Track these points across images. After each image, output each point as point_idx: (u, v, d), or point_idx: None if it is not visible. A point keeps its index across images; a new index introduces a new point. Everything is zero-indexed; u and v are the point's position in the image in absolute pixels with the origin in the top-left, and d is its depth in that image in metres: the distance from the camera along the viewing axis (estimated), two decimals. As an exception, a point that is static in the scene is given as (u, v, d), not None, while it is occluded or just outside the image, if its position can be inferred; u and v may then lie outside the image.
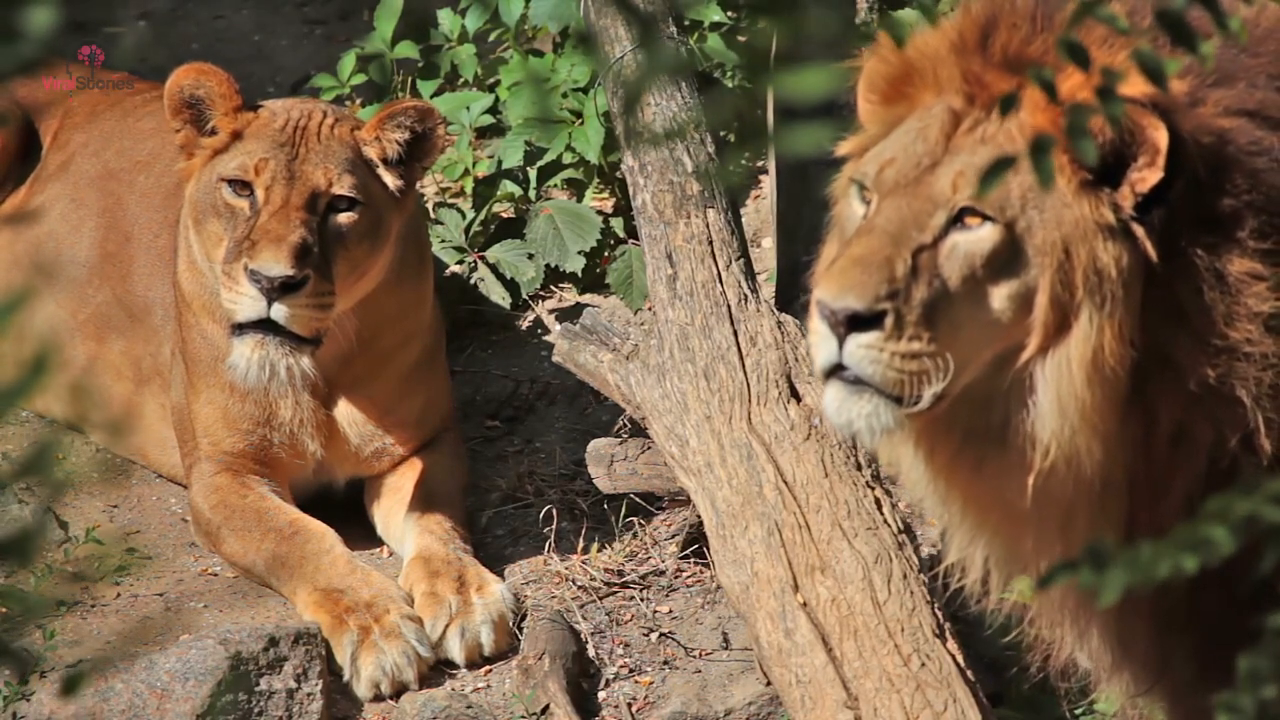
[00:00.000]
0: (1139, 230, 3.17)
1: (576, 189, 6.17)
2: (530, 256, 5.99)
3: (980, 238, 3.23)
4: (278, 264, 4.87)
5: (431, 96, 6.32)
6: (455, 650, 4.99)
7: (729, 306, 4.82)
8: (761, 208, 6.18)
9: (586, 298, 6.04)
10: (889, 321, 3.22)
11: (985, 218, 3.22)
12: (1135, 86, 3.05)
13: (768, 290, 5.52)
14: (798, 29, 2.17)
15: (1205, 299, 3.18)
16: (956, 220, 3.24)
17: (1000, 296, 3.24)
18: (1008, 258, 3.23)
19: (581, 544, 5.25)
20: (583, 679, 4.97)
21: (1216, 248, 3.18)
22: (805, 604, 4.44)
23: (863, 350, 3.22)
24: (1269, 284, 3.18)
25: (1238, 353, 3.19)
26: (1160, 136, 3.14)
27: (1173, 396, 3.21)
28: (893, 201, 3.28)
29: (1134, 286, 3.19)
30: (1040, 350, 3.22)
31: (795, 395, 4.72)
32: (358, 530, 5.34)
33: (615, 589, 5.17)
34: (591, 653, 5.02)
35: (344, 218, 5.03)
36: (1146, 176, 3.17)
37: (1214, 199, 3.18)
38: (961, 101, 3.28)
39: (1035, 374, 3.23)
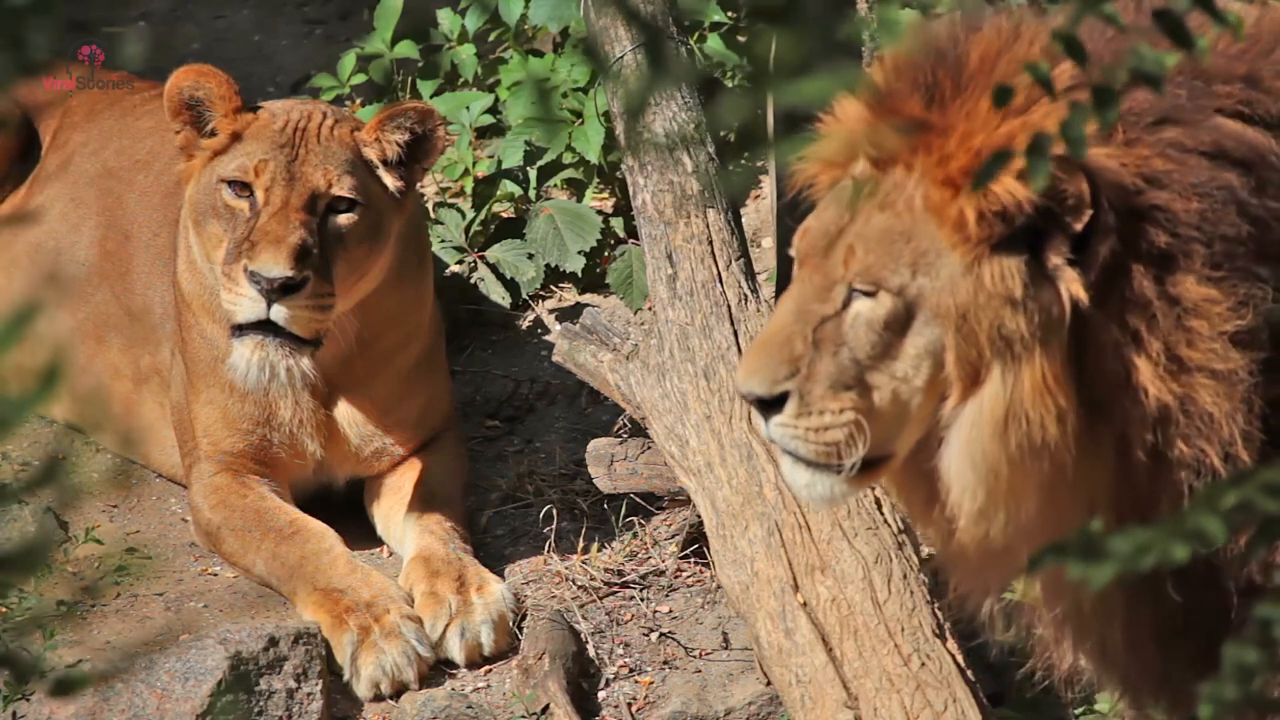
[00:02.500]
0: (1071, 274, 3.19)
1: (576, 189, 6.17)
2: (530, 256, 5.99)
3: (875, 306, 3.29)
4: (277, 265, 4.87)
5: (431, 96, 6.32)
6: (455, 650, 4.99)
7: (729, 306, 4.82)
8: (761, 208, 6.18)
9: (586, 298, 6.04)
10: (792, 402, 3.32)
11: (876, 289, 3.27)
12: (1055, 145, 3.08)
13: (768, 290, 5.52)
14: (803, 38, 2.17)
15: (1160, 324, 3.21)
16: (854, 289, 3.30)
17: (909, 358, 3.30)
18: (906, 321, 3.29)
19: (581, 544, 5.25)
20: (583, 679, 4.97)
21: (1167, 279, 3.21)
22: (805, 604, 4.44)
23: (780, 429, 3.34)
24: (1229, 305, 3.19)
25: (1205, 370, 3.21)
26: (1080, 184, 3.16)
27: (1139, 418, 3.24)
28: (802, 274, 3.36)
29: (1056, 336, 3.21)
30: (961, 400, 3.28)
31: (795, 395, 4.72)
32: (358, 530, 5.34)
33: (615, 589, 5.17)
34: (591, 653, 5.02)
35: (344, 219, 5.03)
36: (1077, 220, 3.18)
37: (1154, 235, 3.20)
38: (870, 166, 3.31)
39: (954, 424, 3.28)
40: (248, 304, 4.90)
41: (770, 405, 3.34)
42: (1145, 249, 3.20)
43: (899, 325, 3.29)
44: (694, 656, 5.00)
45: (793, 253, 3.39)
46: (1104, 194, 3.17)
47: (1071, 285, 3.19)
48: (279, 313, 4.90)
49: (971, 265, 3.22)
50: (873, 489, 4.57)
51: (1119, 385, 3.22)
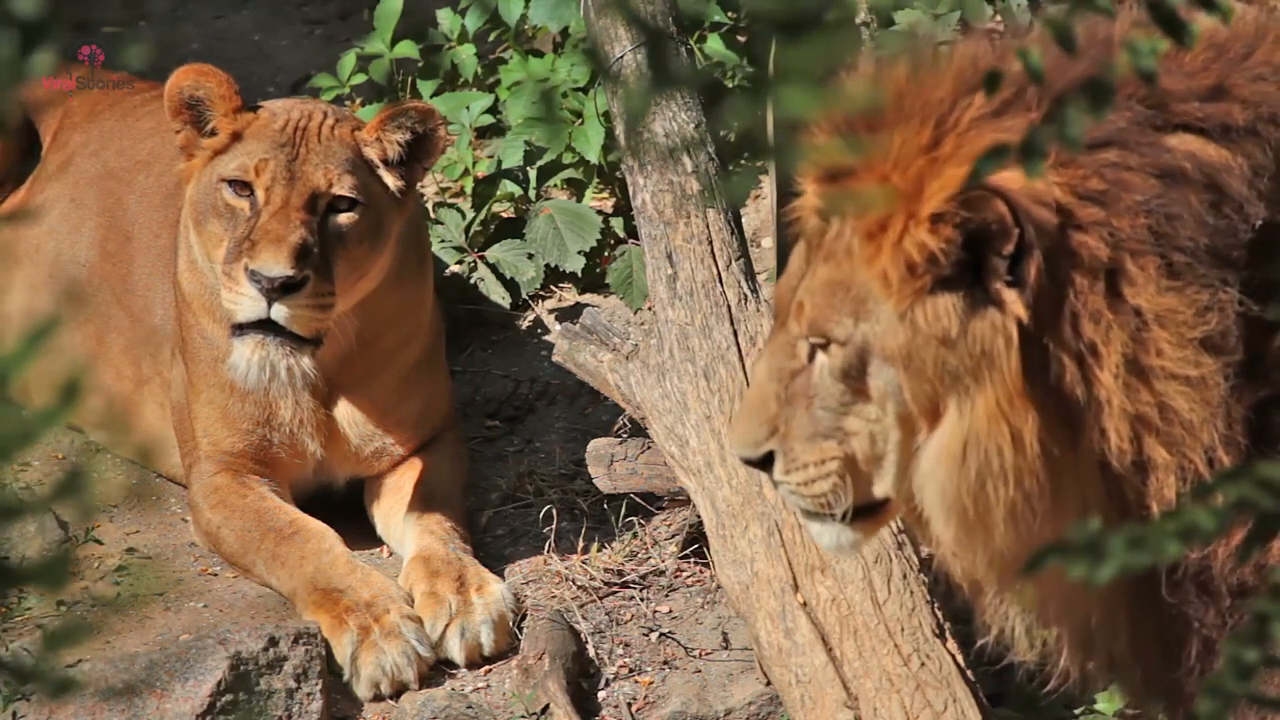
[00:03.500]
0: (1011, 295, 3.23)
1: (576, 189, 6.17)
2: (530, 256, 5.98)
3: (832, 356, 3.35)
4: (277, 264, 4.87)
5: (431, 96, 6.32)
6: (455, 650, 4.99)
7: (729, 306, 4.82)
8: (761, 208, 6.18)
9: (586, 298, 6.04)
10: (779, 460, 3.41)
11: (827, 341, 3.35)
12: (957, 177, 3.18)
13: (768, 290, 5.52)
14: (818, 50, 2.17)
15: (1118, 336, 3.24)
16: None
17: (875, 399, 3.35)
18: (863, 366, 3.34)
19: (581, 544, 5.25)
20: (583, 679, 4.97)
21: (1122, 291, 3.25)
22: (805, 604, 4.44)
23: (781, 488, 3.43)
24: (1194, 312, 3.22)
25: (1178, 378, 3.24)
26: (998, 207, 3.20)
27: (1110, 429, 3.26)
28: (773, 332, 3.46)
29: (1005, 360, 3.24)
30: (929, 433, 3.34)
31: (795, 395, 4.71)
32: (358, 530, 5.34)
33: (615, 589, 5.17)
34: (591, 653, 5.02)
35: (344, 218, 5.03)
36: (1006, 243, 3.22)
37: (1096, 250, 3.23)
38: (818, 218, 3.38)
39: (922, 458, 3.34)
40: (248, 303, 4.90)
41: (763, 465, 3.43)
42: (1087, 263, 3.22)
43: (857, 371, 3.35)
44: (694, 656, 5.00)
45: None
46: (1022, 213, 3.20)
47: (1013, 306, 3.23)
48: (279, 312, 4.89)
49: (905, 313, 3.27)
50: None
51: (1083, 399, 3.26)
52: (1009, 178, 3.19)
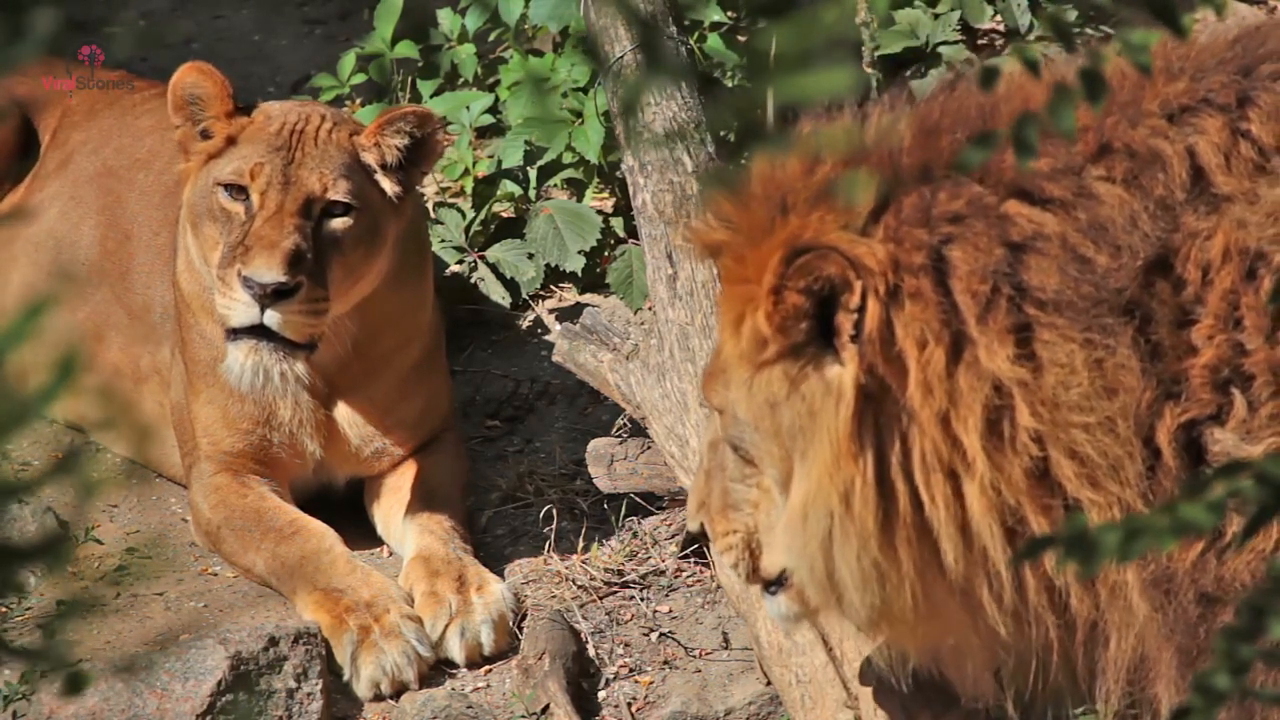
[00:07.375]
0: (852, 350, 3.30)
1: (576, 189, 6.17)
2: (530, 256, 5.98)
3: (724, 424, 3.49)
4: (270, 270, 4.86)
5: (431, 96, 6.32)
6: (455, 650, 4.98)
7: (729, 306, 4.82)
8: (761, 208, 6.17)
9: (586, 298, 6.03)
10: (710, 532, 3.59)
11: (718, 410, 3.49)
12: (824, 232, 3.31)
13: (768, 290, 5.52)
14: (803, 33, 2.18)
15: (970, 397, 3.32)
16: None
17: (763, 469, 3.46)
18: (741, 435, 3.46)
19: (581, 544, 5.25)
20: (583, 679, 4.97)
21: (979, 358, 3.29)
22: (805, 604, 4.44)
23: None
24: (1068, 370, 3.26)
25: (1076, 425, 3.30)
26: (837, 262, 3.29)
27: (975, 490, 3.32)
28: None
29: (834, 417, 3.31)
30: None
31: (795, 395, 4.71)
32: (358, 530, 5.34)
33: (615, 589, 5.17)
34: (591, 653, 5.02)
35: (339, 223, 5.02)
36: (850, 295, 3.29)
37: (929, 320, 3.30)
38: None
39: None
40: (242, 308, 4.89)
41: (706, 537, 3.60)
42: (919, 332, 3.29)
43: (737, 438, 3.47)
44: (694, 656, 5.00)
45: None
46: (855, 264, 3.28)
47: (850, 362, 3.30)
48: (272, 318, 4.88)
49: (748, 380, 3.38)
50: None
51: (942, 458, 3.29)
52: (836, 238, 3.27)
